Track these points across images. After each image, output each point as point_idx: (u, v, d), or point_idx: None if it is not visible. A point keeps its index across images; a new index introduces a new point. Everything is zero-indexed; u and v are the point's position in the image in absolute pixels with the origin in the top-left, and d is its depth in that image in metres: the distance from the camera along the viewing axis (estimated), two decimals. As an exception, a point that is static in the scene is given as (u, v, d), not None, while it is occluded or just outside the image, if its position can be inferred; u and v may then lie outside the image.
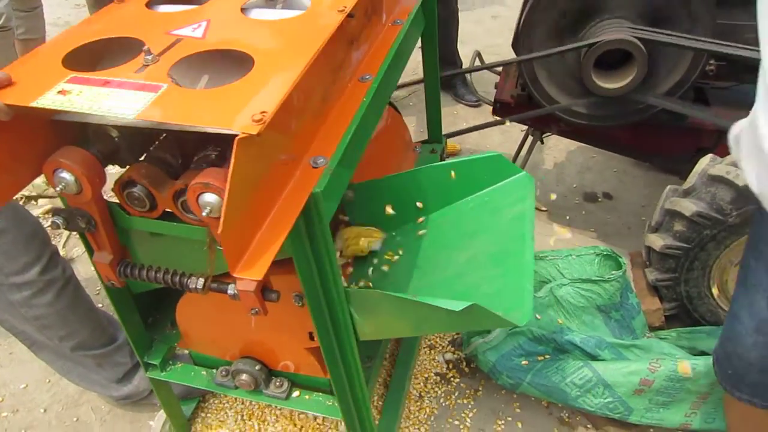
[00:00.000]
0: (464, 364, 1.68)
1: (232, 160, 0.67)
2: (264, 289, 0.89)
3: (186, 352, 1.31)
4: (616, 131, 1.87)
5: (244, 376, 1.18)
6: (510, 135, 2.65)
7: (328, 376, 1.18)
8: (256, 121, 0.69)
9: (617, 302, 1.58)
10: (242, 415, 1.53)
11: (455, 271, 1.06)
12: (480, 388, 1.63)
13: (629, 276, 1.77)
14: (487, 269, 1.01)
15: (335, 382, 1.09)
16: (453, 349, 1.72)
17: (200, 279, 0.93)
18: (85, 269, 2.03)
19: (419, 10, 1.35)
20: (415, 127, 2.72)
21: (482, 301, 0.91)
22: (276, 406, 1.55)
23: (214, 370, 1.26)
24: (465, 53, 2.87)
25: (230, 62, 0.94)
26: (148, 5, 1.04)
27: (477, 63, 2.33)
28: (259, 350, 1.19)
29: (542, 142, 2.13)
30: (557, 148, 2.54)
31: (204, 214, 0.77)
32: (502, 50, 2.89)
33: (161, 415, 1.48)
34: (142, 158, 0.94)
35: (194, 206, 0.78)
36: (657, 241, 1.57)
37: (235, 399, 1.57)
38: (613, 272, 1.56)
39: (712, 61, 1.65)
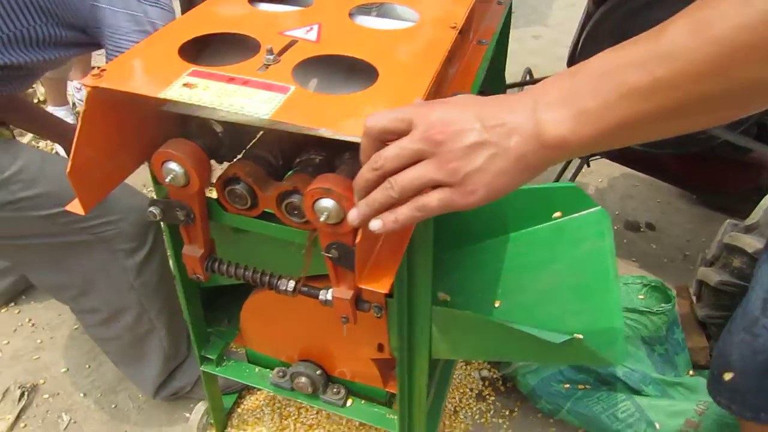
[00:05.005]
0: (500, 382, 1.68)
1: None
2: (357, 299, 0.89)
3: (238, 349, 1.31)
4: (668, 159, 1.86)
5: (303, 380, 1.17)
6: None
7: (388, 388, 1.18)
8: (395, 135, 0.69)
9: (662, 336, 1.58)
10: (279, 414, 1.52)
11: (533, 299, 1.05)
12: (516, 410, 1.62)
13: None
14: (569, 302, 1.01)
15: (401, 396, 1.09)
16: (489, 366, 1.72)
17: (291, 281, 0.93)
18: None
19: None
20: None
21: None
22: (311, 408, 1.54)
23: (268, 370, 1.25)
24: (508, 71, 2.88)
25: (341, 68, 0.94)
26: (251, 1, 1.04)
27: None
28: (318, 355, 1.18)
29: (588, 165, 2.13)
30: (600, 173, 2.54)
31: (322, 219, 0.76)
32: (543, 69, 2.89)
33: (199, 408, 1.47)
34: (241, 156, 0.93)
35: (309, 210, 0.78)
36: (712, 276, 1.57)
37: (272, 397, 1.56)
38: (663, 305, 1.56)
39: None
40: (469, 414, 1.60)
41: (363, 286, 0.73)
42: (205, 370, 1.26)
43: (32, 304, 1.81)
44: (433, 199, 0.60)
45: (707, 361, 1.67)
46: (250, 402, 1.56)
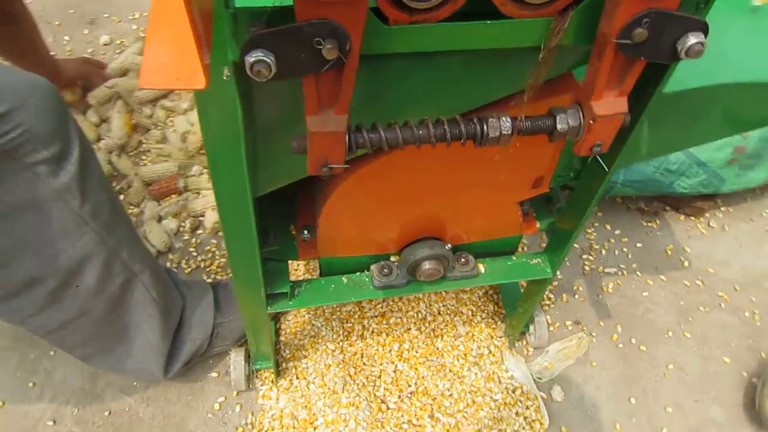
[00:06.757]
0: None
1: None
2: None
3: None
4: None
5: (427, 265, 0.84)
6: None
7: (526, 231, 0.90)
8: None
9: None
10: (338, 319, 1.18)
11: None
12: (554, 206, 1.47)
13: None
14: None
15: (574, 223, 0.82)
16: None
17: (505, 119, 0.55)
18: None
19: None
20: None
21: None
22: (374, 300, 1.22)
23: (361, 274, 0.89)
24: None
25: None
26: None
27: None
28: (436, 226, 0.84)
29: None
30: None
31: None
32: None
33: (237, 358, 1.07)
34: None
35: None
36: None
37: (316, 308, 1.20)
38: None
39: None
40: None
41: None
42: (273, 310, 0.85)
43: None
44: None
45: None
46: (291, 324, 1.18)
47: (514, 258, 0.93)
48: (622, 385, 1.20)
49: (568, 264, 1.38)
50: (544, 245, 1.39)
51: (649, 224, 1.47)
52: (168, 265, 1.26)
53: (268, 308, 0.85)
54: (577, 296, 1.33)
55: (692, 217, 1.49)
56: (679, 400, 1.19)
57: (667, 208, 1.50)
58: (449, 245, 0.85)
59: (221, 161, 0.60)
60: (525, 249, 1.38)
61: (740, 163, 1.39)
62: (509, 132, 0.55)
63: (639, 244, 1.43)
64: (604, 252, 1.41)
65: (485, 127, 0.54)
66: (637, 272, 1.38)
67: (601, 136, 0.56)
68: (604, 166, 0.64)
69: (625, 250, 1.41)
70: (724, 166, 1.38)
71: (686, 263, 1.41)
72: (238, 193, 0.64)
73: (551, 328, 1.27)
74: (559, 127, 0.55)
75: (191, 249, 1.29)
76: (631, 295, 1.34)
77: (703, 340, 1.28)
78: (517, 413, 1.14)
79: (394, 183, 0.74)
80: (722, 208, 1.51)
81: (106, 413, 1.07)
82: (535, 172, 0.77)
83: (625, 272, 1.38)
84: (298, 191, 0.89)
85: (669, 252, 1.42)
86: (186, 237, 1.31)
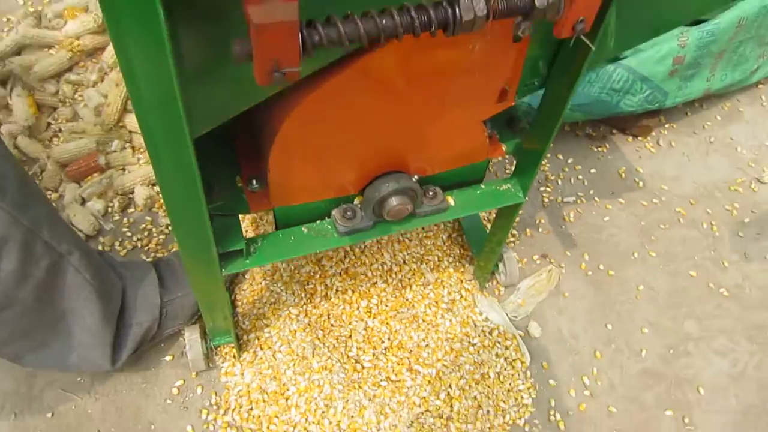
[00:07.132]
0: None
1: None
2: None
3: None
4: None
5: (394, 201, 0.76)
6: None
7: (495, 154, 0.84)
8: None
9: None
10: (297, 282, 1.09)
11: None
12: (505, 142, 1.42)
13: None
14: None
15: (543, 140, 0.77)
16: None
17: (478, 1, 0.47)
18: None
19: None
20: None
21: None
22: (334, 254, 1.13)
23: (321, 222, 0.80)
24: None
25: None
26: None
27: None
28: (398, 158, 0.77)
29: None
30: None
31: None
32: None
33: (192, 337, 0.97)
34: None
35: None
36: None
37: (273, 270, 1.11)
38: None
39: None
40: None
41: None
42: (231, 270, 0.76)
43: None
44: None
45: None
46: (247, 294, 1.09)
47: (483, 186, 0.87)
48: (597, 312, 1.19)
49: (527, 198, 1.34)
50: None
51: (600, 149, 1.45)
52: (100, 248, 1.13)
53: (223, 270, 0.75)
54: (540, 229, 1.29)
55: (639, 137, 1.48)
56: (653, 319, 1.18)
57: (614, 131, 1.49)
58: (414, 177, 0.78)
59: (149, 100, 0.49)
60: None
61: (680, 74, 1.38)
62: (484, 13, 0.47)
63: (593, 170, 1.41)
64: (560, 182, 1.38)
65: (457, 10, 0.47)
66: (595, 198, 1.36)
67: (584, 10, 0.49)
68: (589, 43, 0.58)
69: (580, 177, 1.39)
70: (666, 79, 1.37)
71: (641, 183, 1.40)
72: (174, 136, 0.54)
73: (519, 265, 1.23)
74: (537, 3, 0.48)
75: (124, 229, 1.16)
76: (592, 221, 1.32)
77: (667, 257, 1.28)
78: (497, 354, 1.10)
79: (351, 107, 0.66)
80: (666, 125, 1.52)
81: (49, 415, 0.95)
82: (500, 81, 0.71)
83: (583, 200, 1.35)
84: (238, 141, 0.79)
85: (622, 174, 1.41)
86: (116, 217, 1.17)
